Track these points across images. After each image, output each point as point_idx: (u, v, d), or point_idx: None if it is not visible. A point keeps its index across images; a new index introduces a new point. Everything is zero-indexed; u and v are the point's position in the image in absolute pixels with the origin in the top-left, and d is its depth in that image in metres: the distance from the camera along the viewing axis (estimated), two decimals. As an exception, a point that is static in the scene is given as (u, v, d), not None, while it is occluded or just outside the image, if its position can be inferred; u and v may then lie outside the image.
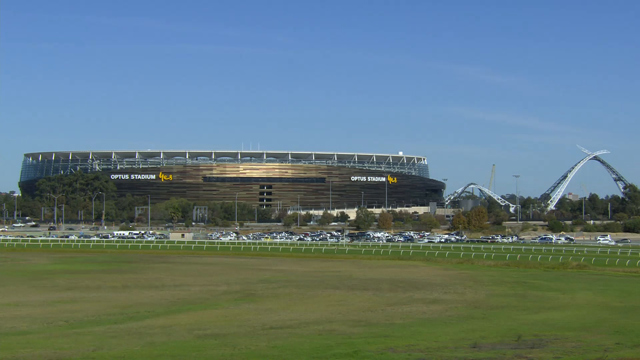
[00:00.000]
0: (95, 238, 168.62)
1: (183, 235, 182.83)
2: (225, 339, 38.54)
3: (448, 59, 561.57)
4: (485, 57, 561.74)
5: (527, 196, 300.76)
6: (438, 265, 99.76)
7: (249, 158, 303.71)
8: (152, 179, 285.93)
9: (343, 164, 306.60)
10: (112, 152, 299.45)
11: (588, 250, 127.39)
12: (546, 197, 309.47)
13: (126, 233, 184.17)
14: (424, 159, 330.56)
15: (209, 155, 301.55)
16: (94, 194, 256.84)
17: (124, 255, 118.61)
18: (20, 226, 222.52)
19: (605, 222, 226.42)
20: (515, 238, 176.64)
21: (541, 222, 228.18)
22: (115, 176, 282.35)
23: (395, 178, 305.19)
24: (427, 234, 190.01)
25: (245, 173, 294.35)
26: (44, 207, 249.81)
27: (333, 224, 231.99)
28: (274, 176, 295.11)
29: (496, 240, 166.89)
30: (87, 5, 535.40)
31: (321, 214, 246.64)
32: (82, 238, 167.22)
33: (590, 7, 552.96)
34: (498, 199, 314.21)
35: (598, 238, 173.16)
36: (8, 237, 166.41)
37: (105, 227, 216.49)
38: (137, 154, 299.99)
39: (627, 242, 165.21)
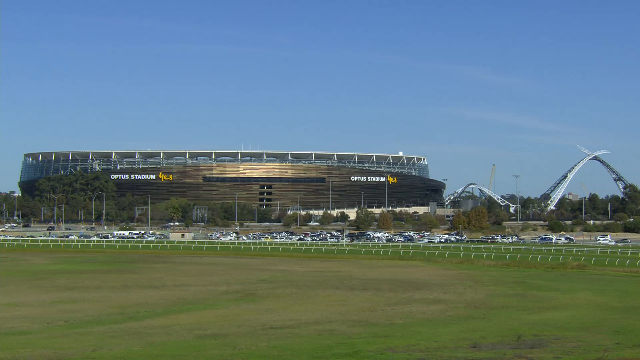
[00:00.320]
0: (95, 238, 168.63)
1: (183, 235, 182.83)
2: (225, 339, 38.53)
3: (448, 59, 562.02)
4: (485, 57, 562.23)
5: (527, 196, 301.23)
6: (438, 265, 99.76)
7: (249, 158, 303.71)
8: (152, 179, 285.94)
9: (343, 164, 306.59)
10: (112, 152, 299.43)
11: (588, 250, 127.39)
12: (546, 197, 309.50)
13: (126, 233, 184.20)
14: (424, 159, 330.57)
15: (209, 155, 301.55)
16: (94, 194, 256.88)
17: (124, 255, 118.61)
18: (12, 227, 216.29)
19: (605, 222, 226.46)
20: (515, 238, 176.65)
21: (541, 222, 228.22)
22: (115, 176, 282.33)
23: (395, 178, 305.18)
24: (427, 234, 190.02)
25: (245, 173, 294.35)
26: (44, 207, 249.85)
27: (333, 224, 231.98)
28: (274, 176, 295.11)
29: (496, 240, 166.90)
30: (87, 5, 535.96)
31: (321, 214, 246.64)
32: (82, 238, 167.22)
33: (590, 7, 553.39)
34: (498, 199, 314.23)
35: (598, 238, 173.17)
36: (8, 237, 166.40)
37: (106, 227, 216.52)
38: (137, 154, 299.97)
39: (627, 242, 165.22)
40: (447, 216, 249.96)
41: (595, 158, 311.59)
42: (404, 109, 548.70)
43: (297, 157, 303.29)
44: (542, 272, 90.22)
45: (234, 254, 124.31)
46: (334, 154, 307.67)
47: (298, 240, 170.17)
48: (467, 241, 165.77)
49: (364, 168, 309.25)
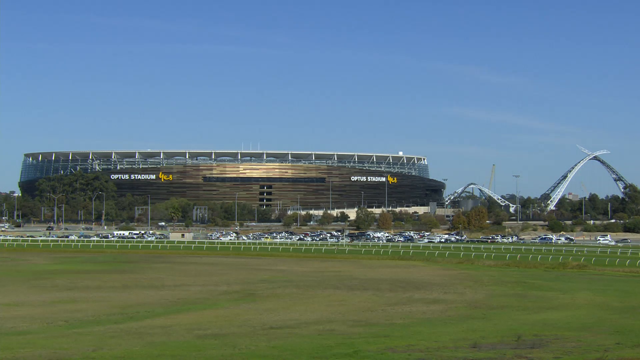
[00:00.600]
0: (95, 238, 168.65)
1: (183, 235, 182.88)
2: (225, 339, 38.53)
3: (448, 59, 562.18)
4: (485, 57, 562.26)
5: (527, 196, 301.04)
6: (438, 265, 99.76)
7: (249, 158, 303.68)
8: (152, 179, 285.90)
9: (343, 164, 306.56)
10: (112, 152, 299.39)
11: (588, 250, 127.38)
12: (546, 197, 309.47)
13: (126, 233, 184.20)
14: (424, 159, 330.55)
15: (209, 155, 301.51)
16: (94, 194, 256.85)
17: (124, 255, 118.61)
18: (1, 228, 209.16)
19: (605, 222, 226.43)
20: (515, 238, 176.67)
21: (541, 222, 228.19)
22: (115, 176, 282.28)
23: (395, 178, 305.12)
24: (427, 234, 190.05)
25: (245, 173, 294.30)
26: (44, 207, 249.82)
27: (333, 224, 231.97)
28: (274, 176, 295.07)
29: (496, 240, 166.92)
30: (87, 5, 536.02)
31: (321, 214, 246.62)
32: (82, 238, 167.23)
33: (590, 7, 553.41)
34: (498, 199, 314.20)
35: (598, 238, 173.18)
36: (8, 237, 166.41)
37: (106, 227, 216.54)
38: (137, 154, 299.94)
39: (627, 242, 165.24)
40: (447, 216, 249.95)
41: (595, 158, 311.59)
42: (404, 109, 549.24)
43: (297, 157, 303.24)
44: (542, 272, 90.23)
45: (234, 254, 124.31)
46: (334, 154, 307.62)
47: (298, 240, 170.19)
48: (467, 241, 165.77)
49: (364, 168, 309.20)
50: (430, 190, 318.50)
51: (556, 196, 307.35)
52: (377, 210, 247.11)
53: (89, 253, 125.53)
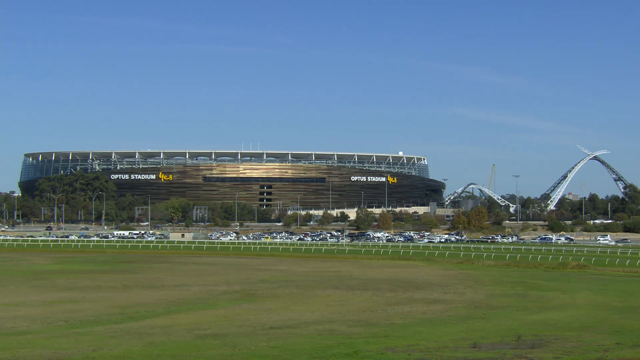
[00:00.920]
0: (95, 238, 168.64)
1: (183, 235, 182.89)
2: (225, 339, 38.52)
3: (448, 59, 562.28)
4: (485, 57, 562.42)
5: (527, 196, 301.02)
6: (438, 265, 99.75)
7: (249, 158, 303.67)
8: (152, 179, 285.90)
9: (343, 164, 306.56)
10: (112, 152, 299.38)
11: (588, 250, 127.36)
12: (546, 197, 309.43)
13: (126, 233, 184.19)
14: (424, 159, 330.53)
15: (209, 155, 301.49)
16: (94, 194, 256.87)
17: (124, 255, 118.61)
18: None
19: (605, 222, 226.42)
20: (515, 238, 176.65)
21: (541, 222, 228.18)
22: (115, 176, 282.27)
23: (395, 178, 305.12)
24: (427, 234, 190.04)
25: (245, 173, 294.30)
26: (44, 207, 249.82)
27: (333, 224, 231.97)
28: (274, 176, 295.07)
29: (496, 240, 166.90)
30: (87, 5, 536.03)
31: (321, 214, 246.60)
32: (82, 238, 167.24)
33: (590, 7, 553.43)
34: (498, 199, 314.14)
35: (598, 238, 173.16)
36: (8, 237, 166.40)
37: (106, 227, 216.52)
38: (137, 154, 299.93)
39: (627, 242, 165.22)
40: (447, 216, 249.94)
41: (595, 158, 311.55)
42: (404, 109, 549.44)
43: (297, 157, 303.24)
44: (542, 272, 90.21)
45: (234, 254, 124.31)
46: (334, 154, 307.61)
47: (298, 240, 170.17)
48: (467, 241, 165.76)
49: (364, 168, 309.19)
50: (430, 190, 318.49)
51: (556, 196, 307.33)
52: (377, 210, 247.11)
53: (89, 253, 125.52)
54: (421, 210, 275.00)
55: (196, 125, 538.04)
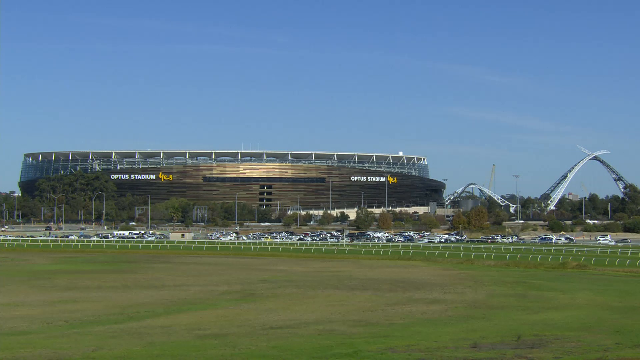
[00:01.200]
0: (95, 238, 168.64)
1: (183, 235, 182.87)
2: (225, 339, 38.52)
3: (448, 59, 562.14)
4: (485, 57, 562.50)
5: (527, 196, 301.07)
6: (438, 265, 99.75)
7: (249, 158, 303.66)
8: (152, 179, 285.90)
9: (343, 164, 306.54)
10: (112, 152, 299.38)
11: (588, 250, 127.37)
12: (546, 197, 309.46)
13: (126, 233, 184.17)
14: (424, 159, 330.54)
15: (209, 155, 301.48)
16: (94, 194, 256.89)
17: (124, 255, 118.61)
18: None
19: (605, 222, 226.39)
20: (515, 238, 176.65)
21: (541, 222, 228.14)
22: (115, 176, 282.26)
23: (395, 178, 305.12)
24: (427, 234, 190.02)
25: (245, 173, 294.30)
26: (44, 207, 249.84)
27: (333, 224, 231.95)
28: (274, 176, 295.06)
29: (496, 240, 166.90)
30: (88, 5, 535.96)
31: (321, 214, 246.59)
32: (82, 238, 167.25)
33: (590, 7, 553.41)
34: (498, 199, 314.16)
35: (598, 238, 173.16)
36: (8, 237, 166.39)
37: (106, 227, 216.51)
38: (137, 154, 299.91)
39: (627, 242, 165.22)
40: (447, 216, 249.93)
41: (595, 158, 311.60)
42: (404, 109, 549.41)
43: (297, 157, 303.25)
44: (542, 272, 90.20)
45: (234, 254, 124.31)
46: (334, 154, 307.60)
47: (298, 240, 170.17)
48: (467, 241, 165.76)
49: (364, 168, 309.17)
50: (430, 190, 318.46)
51: (556, 196, 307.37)
52: (377, 210, 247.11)
53: (89, 253, 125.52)
54: (421, 210, 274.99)
55: (196, 125, 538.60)
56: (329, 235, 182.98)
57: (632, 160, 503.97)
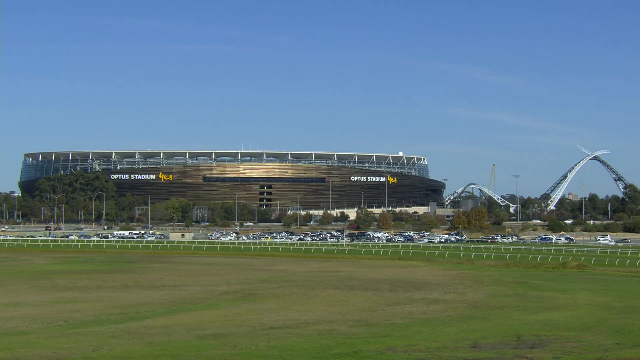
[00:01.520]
0: (95, 238, 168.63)
1: (183, 235, 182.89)
2: (225, 339, 38.51)
3: (448, 59, 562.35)
4: (485, 57, 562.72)
5: (527, 196, 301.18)
6: (438, 265, 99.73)
7: (249, 158, 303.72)
8: (152, 179, 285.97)
9: (343, 164, 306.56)
10: (112, 152, 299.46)
11: (588, 250, 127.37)
12: (546, 197, 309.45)
13: (126, 233, 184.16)
14: (424, 159, 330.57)
15: (209, 155, 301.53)
16: (94, 194, 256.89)
17: (124, 255, 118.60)
18: None
19: (605, 222, 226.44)
20: (515, 238, 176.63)
21: (541, 222, 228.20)
22: (115, 176, 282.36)
23: (395, 178, 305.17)
24: (427, 234, 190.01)
25: (245, 173, 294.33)
26: (44, 207, 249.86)
27: (333, 224, 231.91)
28: (274, 176, 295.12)
29: (496, 240, 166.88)
30: (88, 5, 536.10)
31: (321, 214, 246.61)
32: (82, 238, 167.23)
33: (589, 7, 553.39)
34: (498, 199, 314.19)
35: (598, 238, 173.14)
36: (8, 237, 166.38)
37: (106, 227, 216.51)
38: (137, 154, 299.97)
39: (627, 242, 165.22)
40: (447, 216, 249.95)
41: (595, 158, 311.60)
42: (404, 109, 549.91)
43: (297, 157, 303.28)
44: (542, 272, 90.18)
45: (234, 254, 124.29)
46: (334, 154, 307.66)
47: (298, 240, 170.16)
48: (467, 241, 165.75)
49: (364, 168, 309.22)
50: (430, 190, 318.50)
51: (556, 196, 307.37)
52: (377, 210, 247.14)
53: (89, 253, 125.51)
54: (421, 210, 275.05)
55: (196, 125, 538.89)
56: (329, 235, 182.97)
57: (632, 160, 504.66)
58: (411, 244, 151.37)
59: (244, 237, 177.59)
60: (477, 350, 35.14)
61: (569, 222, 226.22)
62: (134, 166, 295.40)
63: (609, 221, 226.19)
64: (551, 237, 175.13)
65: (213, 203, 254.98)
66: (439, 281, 74.79)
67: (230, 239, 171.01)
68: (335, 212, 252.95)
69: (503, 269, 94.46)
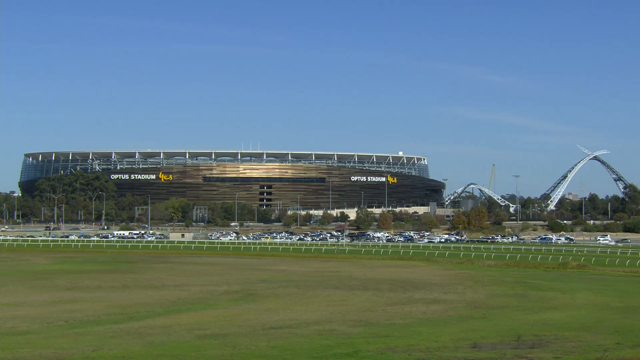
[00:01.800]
0: (95, 238, 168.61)
1: (183, 235, 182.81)
2: (225, 339, 38.52)
3: (448, 59, 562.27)
4: (485, 57, 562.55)
5: (527, 196, 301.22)
6: (438, 265, 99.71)
7: (249, 158, 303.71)
8: (152, 179, 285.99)
9: (343, 164, 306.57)
10: (112, 152, 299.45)
11: (588, 250, 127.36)
12: (546, 197, 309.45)
13: (126, 233, 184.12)
14: (424, 159, 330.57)
15: (209, 155, 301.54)
16: (94, 194, 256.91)
17: (124, 255, 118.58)
18: None
19: (605, 222, 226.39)
20: (515, 238, 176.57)
21: (541, 222, 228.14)
22: (115, 176, 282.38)
23: (395, 178, 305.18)
24: (427, 234, 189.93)
25: (245, 173, 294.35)
26: (44, 207, 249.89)
27: (333, 224, 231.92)
28: (274, 176, 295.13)
29: (496, 240, 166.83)
30: (87, 5, 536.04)
31: (321, 214, 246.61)
32: (82, 238, 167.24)
33: (589, 7, 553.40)
34: (498, 199, 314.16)
35: (598, 238, 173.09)
36: (8, 237, 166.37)
37: (106, 227, 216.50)
38: (137, 154, 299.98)
39: (627, 242, 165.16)
40: (447, 216, 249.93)
41: (595, 158, 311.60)
42: (404, 109, 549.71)
43: (297, 157, 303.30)
44: (542, 272, 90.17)
45: (234, 254, 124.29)
46: (334, 154, 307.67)
47: (298, 240, 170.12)
48: (467, 241, 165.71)
49: (364, 168, 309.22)
50: (430, 190, 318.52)
51: (556, 196, 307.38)
52: (377, 210, 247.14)
53: (89, 253, 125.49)
54: (421, 210, 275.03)
55: (196, 125, 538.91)
56: (329, 235, 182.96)
57: (632, 160, 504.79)
58: (411, 244, 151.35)
59: (244, 237, 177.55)
60: (477, 350, 35.15)
61: (569, 222, 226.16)
62: (134, 166, 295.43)
63: (609, 221, 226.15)
64: (551, 237, 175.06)
65: (213, 203, 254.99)
66: (439, 281, 74.78)
67: (230, 239, 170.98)
68: (335, 212, 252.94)
69: (503, 269, 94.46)
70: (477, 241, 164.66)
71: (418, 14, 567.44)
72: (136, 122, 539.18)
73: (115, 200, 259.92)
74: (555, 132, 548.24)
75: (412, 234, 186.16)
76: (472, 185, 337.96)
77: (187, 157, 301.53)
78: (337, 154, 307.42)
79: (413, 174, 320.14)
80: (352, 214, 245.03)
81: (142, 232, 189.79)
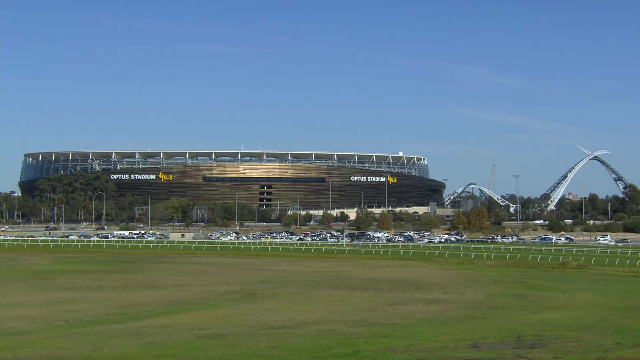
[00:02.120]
0: (95, 238, 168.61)
1: (183, 235, 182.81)
2: (225, 339, 38.51)
3: (448, 59, 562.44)
4: (485, 57, 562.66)
5: (527, 196, 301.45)
6: (438, 265, 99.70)
7: (249, 158, 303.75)
8: (152, 179, 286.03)
9: (343, 164, 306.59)
10: (112, 152, 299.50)
11: (588, 250, 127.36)
12: (546, 197, 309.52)
13: (126, 233, 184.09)
14: (424, 159, 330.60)
15: (209, 155, 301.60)
16: (94, 194, 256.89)
17: (124, 255, 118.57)
18: None
19: (605, 222, 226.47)
20: (515, 238, 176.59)
21: (541, 222, 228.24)
22: (115, 176, 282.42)
23: (395, 178, 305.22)
24: (427, 234, 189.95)
25: (245, 173, 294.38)
26: (44, 207, 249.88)
27: (333, 224, 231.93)
28: (274, 176, 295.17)
29: (496, 240, 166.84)
30: (88, 5, 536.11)
31: (321, 214, 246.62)
32: (82, 238, 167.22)
33: (589, 7, 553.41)
34: (498, 199, 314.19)
35: (598, 238, 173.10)
36: (8, 237, 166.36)
37: (106, 227, 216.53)
38: (137, 154, 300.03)
39: (627, 242, 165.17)
40: (447, 216, 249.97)
41: (595, 158, 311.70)
42: (404, 109, 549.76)
43: (297, 157, 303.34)
44: (542, 272, 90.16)
45: (234, 254, 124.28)
46: (334, 154, 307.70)
47: (298, 240, 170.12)
48: (467, 241, 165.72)
49: (364, 168, 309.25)
50: (430, 190, 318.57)
51: (556, 196, 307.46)
52: (377, 210, 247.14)
53: (89, 253, 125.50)
54: (421, 210, 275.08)
55: (196, 125, 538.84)
56: (329, 235, 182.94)
57: (632, 160, 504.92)
58: (411, 244, 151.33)
59: (244, 237, 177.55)
60: (477, 350, 35.14)
61: (569, 222, 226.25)
62: (134, 166, 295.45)
63: (609, 221, 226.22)
64: (551, 237, 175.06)
65: (213, 203, 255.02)
66: (439, 281, 74.77)
67: (230, 239, 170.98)
68: (335, 212, 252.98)
69: (503, 269, 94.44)
70: (477, 241, 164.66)
71: (418, 14, 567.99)
72: (136, 122, 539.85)
73: (115, 200, 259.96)
74: (555, 132, 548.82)
75: (412, 234, 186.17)
76: (472, 185, 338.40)
77: (187, 157, 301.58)
78: (337, 154, 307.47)
79: (413, 174, 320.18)
80: (352, 214, 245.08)
81: (142, 232, 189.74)
